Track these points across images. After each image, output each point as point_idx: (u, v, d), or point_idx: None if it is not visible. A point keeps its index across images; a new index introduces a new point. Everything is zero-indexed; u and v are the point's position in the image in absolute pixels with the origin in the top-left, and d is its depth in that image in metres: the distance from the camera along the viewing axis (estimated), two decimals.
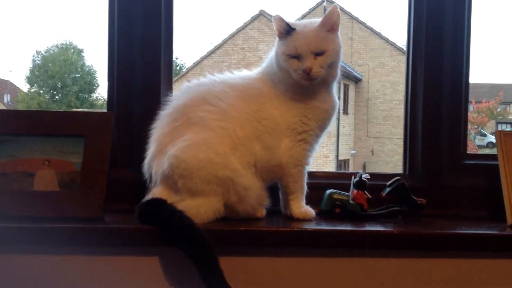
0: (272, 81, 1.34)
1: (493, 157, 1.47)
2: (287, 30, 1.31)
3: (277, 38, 1.34)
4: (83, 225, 1.22)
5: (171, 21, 1.54)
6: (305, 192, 1.37)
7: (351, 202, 1.38)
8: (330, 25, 1.30)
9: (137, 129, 1.47)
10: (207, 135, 1.26)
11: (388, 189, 1.40)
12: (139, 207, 1.24)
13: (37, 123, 1.36)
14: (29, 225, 1.21)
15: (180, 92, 1.37)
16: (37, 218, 1.25)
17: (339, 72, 1.37)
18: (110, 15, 1.53)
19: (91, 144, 1.33)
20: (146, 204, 1.25)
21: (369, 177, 1.39)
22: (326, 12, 1.30)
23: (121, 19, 1.51)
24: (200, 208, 1.24)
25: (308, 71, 1.27)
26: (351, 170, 11.79)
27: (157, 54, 1.51)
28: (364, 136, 12.93)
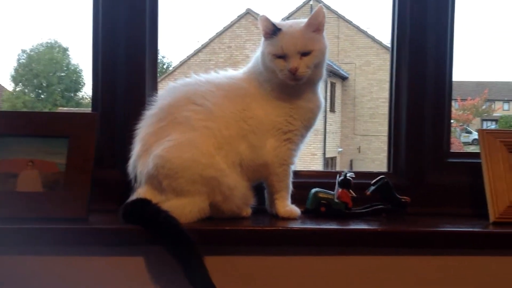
0: (258, 81, 1.35)
1: (476, 155, 1.49)
2: (273, 30, 1.31)
3: (263, 38, 1.34)
4: (67, 226, 1.21)
5: (156, 20, 1.53)
6: (290, 191, 1.37)
7: (336, 200, 1.39)
8: (315, 25, 1.31)
9: (121, 129, 1.47)
10: (192, 135, 1.26)
11: (372, 188, 1.41)
12: (124, 207, 1.24)
13: (21, 123, 1.34)
14: (12, 226, 1.20)
15: (165, 91, 1.37)
16: (20, 219, 1.24)
17: (324, 72, 1.37)
18: (94, 14, 1.52)
19: (75, 144, 1.32)
20: (131, 204, 1.24)
21: (353, 176, 1.40)
22: (312, 12, 1.31)
23: (105, 17, 1.50)
24: (185, 208, 1.24)
25: (294, 71, 1.28)
26: (338, 167, 11.85)
27: (141, 53, 1.50)
28: (351, 134, 12.99)
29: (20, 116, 1.38)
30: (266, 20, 1.31)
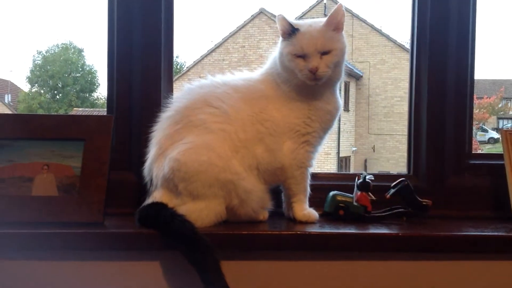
0: (275, 82, 1.32)
1: (499, 156, 1.45)
2: (291, 30, 1.29)
3: (280, 38, 1.32)
4: (83, 230, 1.20)
5: (171, 20, 1.52)
6: (308, 194, 1.35)
7: (355, 204, 1.36)
8: (335, 24, 1.28)
9: (137, 131, 1.45)
10: (208, 137, 1.24)
11: (392, 191, 1.38)
12: (140, 211, 1.23)
13: (36, 127, 1.33)
14: (28, 230, 1.19)
15: (181, 93, 1.35)
16: (36, 223, 1.23)
17: (343, 73, 1.35)
18: (110, 14, 1.51)
19: (91, 147, 1.31)
20: (146, 208, 1.23)
21: (373, 178, 1.37)
22: (332, 11, 1.28)
23: (120, 18, 1.48)
24: (201, 211, 1.22)
25: (314, 71, 1.25)
26: (352, 167, 11.77)
27: (157, 55, 1.48)
28: (365, 133, 12.91)
29: (34, 119, 1.37)
30: (284, 20, 1.29)
